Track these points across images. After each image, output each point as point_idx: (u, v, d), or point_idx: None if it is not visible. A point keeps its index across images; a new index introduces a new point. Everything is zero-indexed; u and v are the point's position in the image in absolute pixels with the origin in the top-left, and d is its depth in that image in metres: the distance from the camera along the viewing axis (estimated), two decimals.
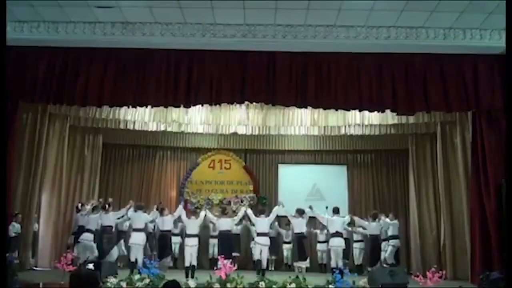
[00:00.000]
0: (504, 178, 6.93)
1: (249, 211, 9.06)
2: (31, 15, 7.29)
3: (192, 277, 7.81)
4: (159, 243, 8.86)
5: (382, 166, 11.94)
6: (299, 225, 8.65)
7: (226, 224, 8.76)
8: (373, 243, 9.47)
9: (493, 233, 7.24)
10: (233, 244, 9.06)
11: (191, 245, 8.33)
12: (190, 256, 8.26)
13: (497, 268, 6.71)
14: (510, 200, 6.28)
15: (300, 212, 8.79)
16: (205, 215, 8.95)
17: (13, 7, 6.97)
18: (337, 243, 8.61)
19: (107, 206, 9.20)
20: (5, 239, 6.91)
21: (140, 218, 8.54)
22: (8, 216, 7.42)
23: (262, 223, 8.69)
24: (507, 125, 6.88)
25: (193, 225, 8.53)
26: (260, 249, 8.41)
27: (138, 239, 8.36)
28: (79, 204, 9.37)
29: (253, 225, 9.49)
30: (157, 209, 9.00)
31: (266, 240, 8.51)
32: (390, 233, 9.66)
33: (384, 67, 7.66)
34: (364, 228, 9.80)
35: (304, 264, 8.37)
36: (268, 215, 8.96)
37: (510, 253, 6.07)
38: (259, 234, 8.62)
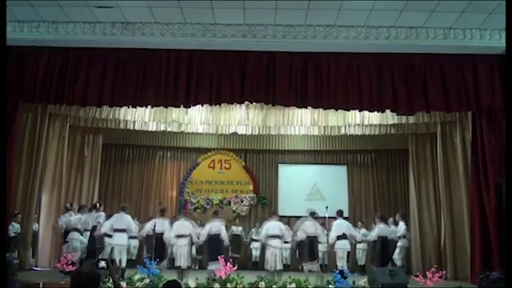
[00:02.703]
0: (504, 178, 6.93)
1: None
2: (31, 15, 7.28)
3: (182, 277, 7.73)
4: (155, 245, 8.64)
5: (382, 166, 11.96)
6: (312, 227, 8.62)
7: (216, 227, 8.77)
8: (383, 244, 9.13)
9: (493, 233, 7.23)
10: (221, 247, 8.90)
11: (181, 245, 8.30)
12: (180, 257, 8.21)
13: (497, 268, 6.71)
14: (510, 200, 6.27)
15: (313, 214, 8.77)
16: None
17: (13, 7, 6.97)
18: (342, 246, 8.60)
19: (97, 205, 9.12)
20: (5, 239, 6.92)
21: (123, 219, 8.43)
22: (8, 216, 7.42)
23: (274, 226, 8.60)
24: (507, 125, 6.87)
25: (183, 226, 8.49)
26: (272, 251, 8.30)
27: (120, 240, 8.25)
28: (68, 204, 9.30)
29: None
30: (161, 211, 8.97)
31: (278, 243, 8.42)
32: (400, 233, 9.42)
33: (384, 67, 7.66)
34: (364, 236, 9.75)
35: (315, 265, 8.29)
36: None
37: (510, 253, 6.07)
38: (271, 237, 8.49)
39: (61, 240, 9.12)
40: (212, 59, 7.66)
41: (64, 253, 8.35)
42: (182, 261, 8.23)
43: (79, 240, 8.74)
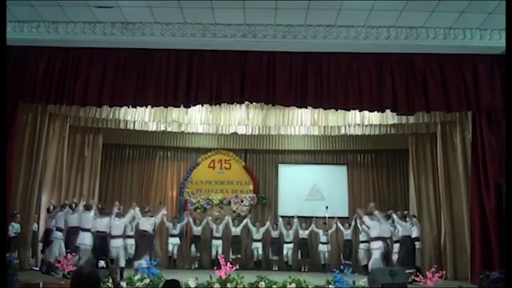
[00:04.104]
0: (504, 178, 6.93)
1: (366, 218, 8.74)
2: (31, 15, 7.29)
3: (122, 278, 7.58)
4: (96, 244, 8.46)
5: (382, 166, 11.95)
6: (407, 229, 8.66)
7: (146, 223, 8.72)
8: (408, 245, 8.92)
9: (493, 233, 7.24)
10: (148, 245, 8.83)
11: (116, 246, 8.31)
12: (119, 258, 8.19)
13: (497, 268, 6.71)
14: (510, 200, 6.27)
15: (410, 217, 8.90)
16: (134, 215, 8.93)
17: (13, 7, 6.97)
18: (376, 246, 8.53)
19: (74, 205, 9.03)
20: (5, 239, 6.91)
21: (88, 219, 8.40)
22: (8, 216, 7.41)
23: (375, 227, 8.57)
24: (507, 125, 6.87)
25: (117, 226, 8.47)
26: (376, 252, 8.30)
27: (85, 240, 8.20)
28: (51, 207, 9.25)
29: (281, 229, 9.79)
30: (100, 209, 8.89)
31: (378, 244, 8.41)
32: (414, 234, 9.11)
33: (384, 67, 7.66)
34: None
35: (413, 271, 8.20)
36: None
37: (510, 253, 6.07)
38: (377, 239, 8.46)
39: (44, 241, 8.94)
40: (212, 59, 7.67)
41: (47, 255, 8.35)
42: (122, 261, 8.27)
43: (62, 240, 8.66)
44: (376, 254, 8.34)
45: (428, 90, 7.56)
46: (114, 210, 8.70)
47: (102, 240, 8.38)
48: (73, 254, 8.00)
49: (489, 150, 7.52)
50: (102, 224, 8.43)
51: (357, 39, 7.40)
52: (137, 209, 9.03)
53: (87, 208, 8.58)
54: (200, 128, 10.74)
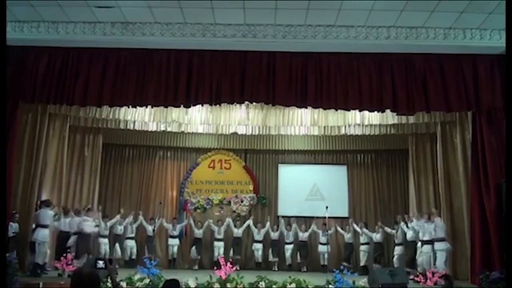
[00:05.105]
0: (504, 178, 6.93)
1: (438, 220, 8.59)
2: (31, 15, 7.29)
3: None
4: (59, 243, 8.73)
5: (382, 166, 11.94)
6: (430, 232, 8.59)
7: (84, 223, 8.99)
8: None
9: (493, 233, 7.24)
10: (88, 246, 8.98)
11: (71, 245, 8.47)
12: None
13: (497, 268, 6.72)
14: (510, 200, 6.27)
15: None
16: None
17: (13, 7, 6.98)
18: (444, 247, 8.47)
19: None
20: (5, 239, 6.91)
21: (46, 215, 8.41)
22: (8, 216, 7.41)
23: (443, 228, 8.53)
24: (507, 125, 6.88)
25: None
26: (444, 253, 8.28)
27: (42, 236, 8.21)
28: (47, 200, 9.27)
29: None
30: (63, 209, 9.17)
31: (447, 245, 8.39)
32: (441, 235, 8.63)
33: (384, 67, 7.67)
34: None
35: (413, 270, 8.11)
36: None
37: (510, 253, 6.07)
38: (443, 240, 8.41)
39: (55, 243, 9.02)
40: (212, 59, 7.68)
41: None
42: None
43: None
44: (444, 254, 8.29)
45: (428, 90, 7.56)
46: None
47: (65, 239, 8.56)
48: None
49: (489, 150, 7.52)
50: (65, 224, 8.70)
51: (357, 39, 7.41)
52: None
53: (46, 204, 8.56)
54: (200, 128, 10.74)
